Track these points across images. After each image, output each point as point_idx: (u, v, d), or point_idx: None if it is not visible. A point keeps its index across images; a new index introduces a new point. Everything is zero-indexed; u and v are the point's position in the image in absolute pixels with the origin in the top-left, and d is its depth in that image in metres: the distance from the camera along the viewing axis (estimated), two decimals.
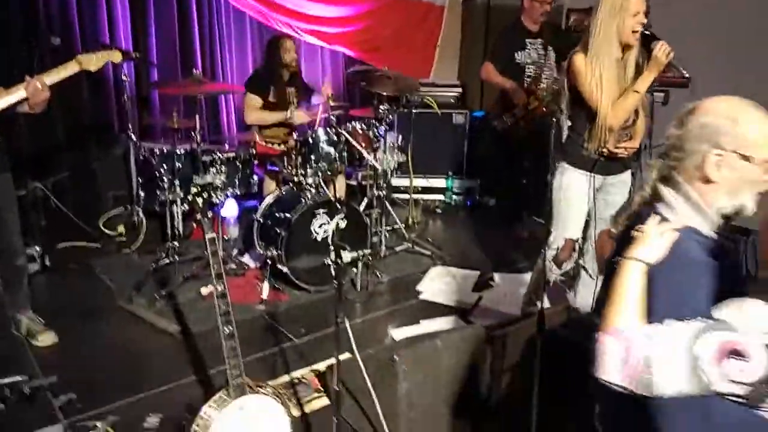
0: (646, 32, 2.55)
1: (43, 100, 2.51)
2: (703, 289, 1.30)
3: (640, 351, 1.21)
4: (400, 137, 4.37)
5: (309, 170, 3.68)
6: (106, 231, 4.17)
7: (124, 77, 4.03)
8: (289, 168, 3.77)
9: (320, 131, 3.73)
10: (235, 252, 3.85)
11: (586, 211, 2.76)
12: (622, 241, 1.44)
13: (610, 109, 2.56)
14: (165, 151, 3.73)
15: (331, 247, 2.14)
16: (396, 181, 4.83)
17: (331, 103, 3.97)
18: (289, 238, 3.38)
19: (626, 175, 2.84)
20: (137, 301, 3.32)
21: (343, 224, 3.46)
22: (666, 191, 1.42)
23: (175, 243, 3.71)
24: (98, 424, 2.33)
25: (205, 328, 3.04)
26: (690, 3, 4.73)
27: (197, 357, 2.84)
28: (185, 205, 3.79)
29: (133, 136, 3.96)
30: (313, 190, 3.65)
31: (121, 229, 4.16)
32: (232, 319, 2.02)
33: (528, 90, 4.23)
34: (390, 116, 4.16)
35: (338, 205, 3.56)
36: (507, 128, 4.33)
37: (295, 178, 3.72)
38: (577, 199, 2.73)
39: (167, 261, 3.63)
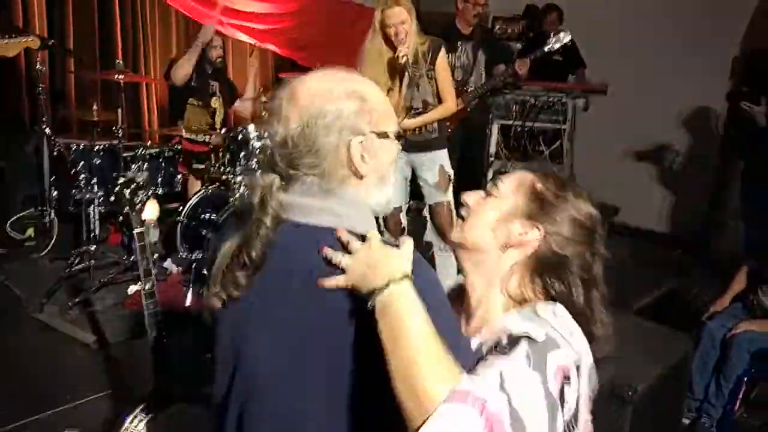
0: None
1: None
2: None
3: (501, 412, 0.85)
4: None
5: (238, 168, 3.55)
6: (14, 234, 3.85)
7: (39, 66, 3.73)
8: (216, 166, 3.62)
9: (250, 127, 3.60)
10: (155, 256, 3.65)
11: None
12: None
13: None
14: (82, 146, 3.51)
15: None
16: None
17: (263, 99, 3.86)
18: (215, 240, 3.23)
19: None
20: (49, 310, 3.10)
21: None
22: (318, 202, 1.02)
23: (91, 247, 3.47)
24: None
25: (123, 337, 2.87)
26: (603, 9, 4.97)
27: (116, 369, 2.67)
28: (103, 205, 3.56)
29: (46, 131, 3.68)
30: (242, 189, 3.52)
31: (30, 232, 3.85)
32: (161, 321, 1.90)
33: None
34: None
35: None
36: None
37: (223, 177, 3.58)
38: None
39: (82, 266, 3.39)
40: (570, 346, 0.97)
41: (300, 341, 0.96)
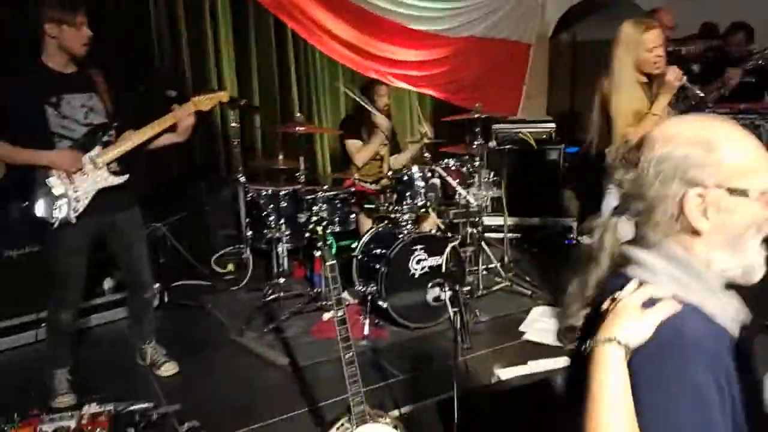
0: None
1: (189, 125, 2.87)
2: (711, 387, 0.87)
3: None
4: (493, 173, 4.42)
5: (404, 207, 3.79)
6: (218, 269, 4.45)
7: (233, 123, 4.34)
8: (385, 205, 3.90)
9: (414, 168, 3.84)
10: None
11: None
12: (591, 323, 1.03)
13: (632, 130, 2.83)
14: (270, 191, 3.99)
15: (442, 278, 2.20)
16: (487, 220, 4.81)
17: (426, 141, 4.10)
18: (388, 273, 3.48)
19: None
20: (248, 335, 3.50)
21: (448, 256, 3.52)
22: (638, 252, 1.00)
23: (281, 279, 3.91)
24: None
25: (312, 361, 3.17)
26: None
27: (308, 389, 2.95)
28: (289, 243, 3.99)
29: (241, 179, 4.24)
30: (410, 226, 3.75)
31: (230, 267, 4.44)
32: (351, 345, 2.11)
33: None
34: (482, 152, 4.23)
35: (443, 236, 3.64)
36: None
37: (391, 215, 3.85)
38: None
39: (273, 297, 3.82)
40: None
41: None
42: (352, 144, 4.35)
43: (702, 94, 3.01)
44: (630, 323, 0.92)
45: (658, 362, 0.89)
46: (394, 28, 5.21)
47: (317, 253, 2.86)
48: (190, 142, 3.96)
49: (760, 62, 3.62)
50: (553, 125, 5.39)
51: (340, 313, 2.21)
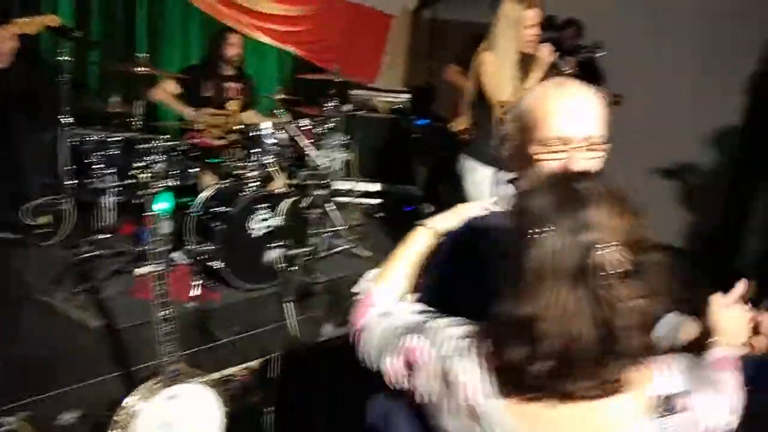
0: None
1: (9, 50, 2.62)
2: (469, 281, 1.10)
3: (370, 324, 1.14)
4: (346, 137, 4.34)
5: (251, 164, 3.59)
6: (29, 220, 3.91)
7: (63, 57, 3.80)
8: (231, 162, 3.67)
9: (265, 124, 3.66)
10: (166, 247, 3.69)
11: None
12: None
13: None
14: (99, 137, 3.57)
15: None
16: (337, 184, 4.77)
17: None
18: (226, 232, 3.27)
19: None
20: (57, 295, 3.13)
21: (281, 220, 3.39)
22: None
23: (104, 235, 3.52)
24: (9, 419, 2.17)
25: (130, 323, 2.90)
26: (622, 25, 4.97)
27: (121, 353, 2.69)
28: (117, 196, 3.61)
29: (66, 121, 3.74)
30: (255, 185, 3.56)
31: (45, 219, 3.91)
32: (168, 302, 1.92)
33: None
34: (336, 115, 4.13)
35: (282, 197, 3.49)
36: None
37: (236, 173, 3.62)
38: (488, 195, 2.86)
39: (93, 254, 3.44)
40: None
41: None
42: (167, 83, 4.02)
43: (570, 71, 3.18)
44: (443, 217, 1.25)
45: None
46: None
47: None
48: (9, 70, 3.45)
49: (587, 55, 3.87)
50: (408, 96, 5.42)
51: (158, 268, 2.00)
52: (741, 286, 1.14)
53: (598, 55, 3.83)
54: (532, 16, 3.02)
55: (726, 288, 1.17)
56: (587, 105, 1.15)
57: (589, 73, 4.94)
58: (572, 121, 1.13)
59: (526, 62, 3.05)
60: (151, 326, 2.68)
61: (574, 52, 3.97)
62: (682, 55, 4.85)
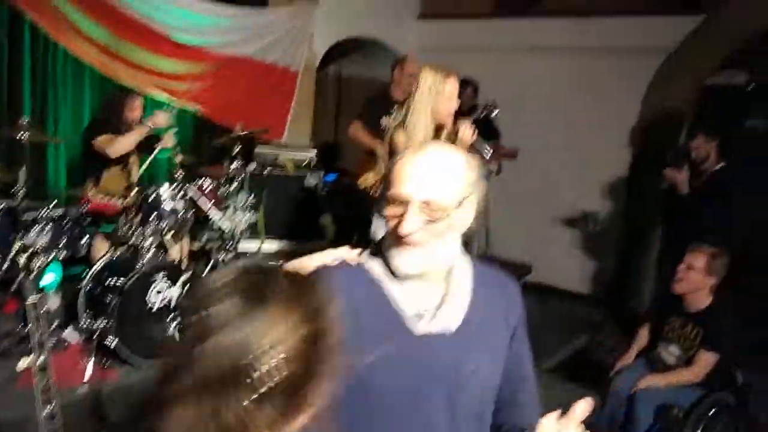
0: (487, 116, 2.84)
1: None
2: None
3: None
4: (252, 197, 4.25)
5: (148, 230, 3.42)
6: None
7: None
8: (126, 228, 3.48)
9: (163, 187, 3.51)
10: (54, 325, 3.41)
11: None
12: None
13: None
14: None
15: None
16: (244, 245, 4.58)
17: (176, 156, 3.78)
18: (121, 306, 3.07)
19: None
20: None
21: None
22: None
23: None
24: None
25: (16, 414, 2.63)
26: (518, 80, 5.26)
27: None
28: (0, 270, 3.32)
29: None
30: (151, 253, 3.38)
31: None
32: (53, 397, 1.75)
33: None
34: (241, 175, 4.04)
35: (180, 268, 3.32)
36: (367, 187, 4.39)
37: (132, 240, 3.44)
38: None
39: None
40: None
41: None
42: (102, 140, 3.77)
43: (491, 151, 3.07)
44: (299, 261, 1.27)
45: None
46: (157, 37, 4.81)
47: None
48: None
49: (482, 114, 4.04)
50: (314, 152, 5.44)
51: (41, 360, 1.83)
52: (583, 406, 1.05)
53: (493, 114, 3.99)
54: (452, 89, 2.89)
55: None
56: (427, 167, 1.18)
57: (486, 131, 5.18)
58: (406, 182, 1.17)
59: (444, 137, 2.94)
60: (35, 422, 2.47)
61: (471, 111, 4.13)
62: (572, 109, 5.18)
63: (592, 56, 5.09)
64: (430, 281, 1.24)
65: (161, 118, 3.81)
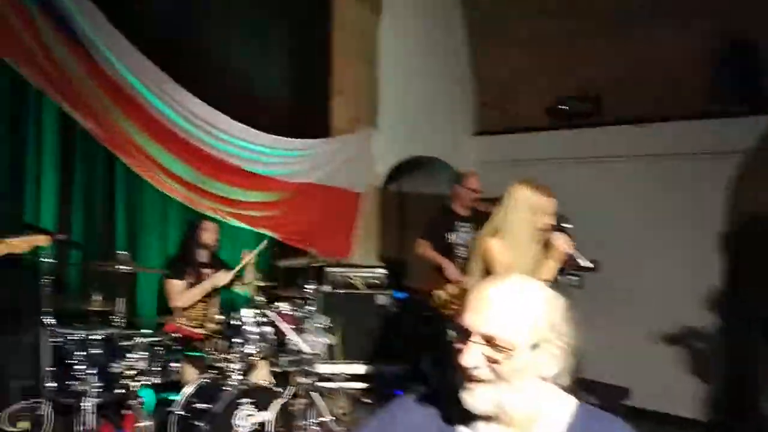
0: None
1: None
2: None
3: None
4: (327, 318, 4.39)
5: (234, 355, 3.60)
6: (7, 428, 3.76)
7: (44, 259, 3.91)
8: (213, 353, 3.68)
9: (246, 312, 3.72)
10: None
11: None
12: None
13: None
14: (80, 336, 3.58)
15: None
16: (322, 368, 4.57)
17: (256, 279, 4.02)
18: (211, 431, 3.20)
19: None
20: None
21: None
22: None
23: None
24: None
25: None
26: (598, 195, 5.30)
27: None
28: (98, 397, 3.54)
29: (47, 320, 3.77)
30: (239, 377, 3.55)
31: (24, 425, 3.76)
32: None
33: (461, 269, 4.42)
34: (316, 296, 4.23)
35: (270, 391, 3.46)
36: (440, 305, 4.45)
37: (219, 365, 3.62)
38: None
39: None
40: None
41: None
42: (171, 284, 4.14)
43: (591, 265, 3.12)
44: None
45: None
46: (234, 170, 5.26)
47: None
48: None
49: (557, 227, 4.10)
50: (384, 270, 5.58)
51: None
52: None
53: (567, 227, 4.08)
54: (552, 204, 3.02)
55: None
56: (497, 300, 1.14)
57: None
58: (471, 311, 1.14)
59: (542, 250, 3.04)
60: None
61: None
62: (648, 217, 5.14)
63: (656, 162, 5.15)
64: (513, 427, 1.13)
65: (246, 258, 4.17)
